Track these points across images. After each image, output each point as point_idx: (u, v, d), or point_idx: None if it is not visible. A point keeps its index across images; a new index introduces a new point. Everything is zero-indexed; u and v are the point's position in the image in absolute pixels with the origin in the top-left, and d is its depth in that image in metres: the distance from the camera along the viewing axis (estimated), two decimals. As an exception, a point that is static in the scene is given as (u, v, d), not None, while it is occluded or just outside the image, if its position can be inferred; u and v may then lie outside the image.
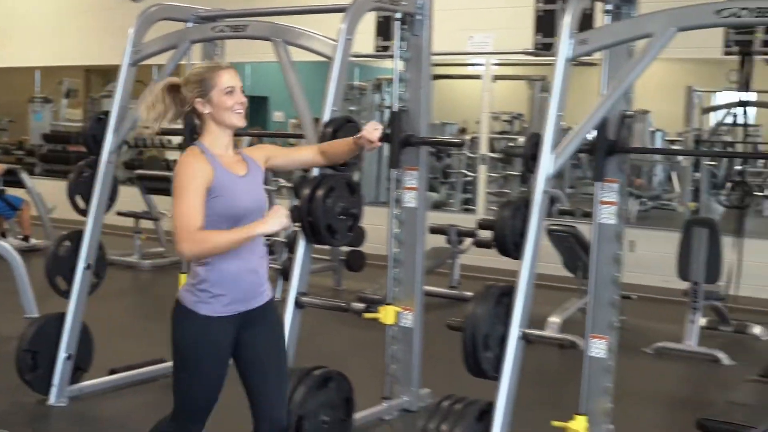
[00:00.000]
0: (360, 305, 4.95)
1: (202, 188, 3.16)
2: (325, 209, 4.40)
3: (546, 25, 8.62)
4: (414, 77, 5.11)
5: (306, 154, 3.77)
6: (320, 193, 4.39)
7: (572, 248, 7.30)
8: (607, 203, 4.67)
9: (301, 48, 4.87)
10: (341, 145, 3.75)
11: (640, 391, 6.15)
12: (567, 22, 4.10)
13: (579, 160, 12.82)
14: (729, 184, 8.38)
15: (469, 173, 11.45)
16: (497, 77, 10.81)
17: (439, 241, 8.62)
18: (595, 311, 4.76)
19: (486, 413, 4.02)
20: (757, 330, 7.61)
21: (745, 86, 7.72)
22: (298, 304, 4.64)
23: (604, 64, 4.49)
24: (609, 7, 4.46)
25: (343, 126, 4.51)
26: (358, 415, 5.06)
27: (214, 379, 3.36)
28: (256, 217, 3.27)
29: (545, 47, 8.59)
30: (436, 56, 9.41)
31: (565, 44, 4.09)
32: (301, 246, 4.62)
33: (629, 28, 4.18)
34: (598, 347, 4.80)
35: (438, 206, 11.38)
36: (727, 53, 8.35)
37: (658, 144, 11.90)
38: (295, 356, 4.59)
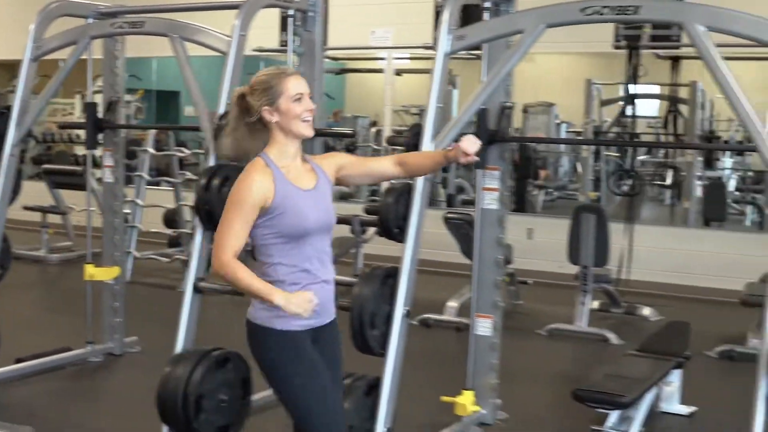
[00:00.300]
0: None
1: (254, 211, 3.05)
2: (221, 198, 4.58)
3: (445, 20, 8.88)
4: (307, 71, 5.31)
5: (383, 166, 3.37)
6: (216, 182, 4.58)
7: (468, 235, 7.56)
8: (490, 189, 4.97)
9: (197, 44, 5.05)
10: (425, 158, 3.47)
11: (531, 369, 6.48)
12: (445, 19, 4.35)
13: (487, 151, 13.21)
14: (620, 174, 8.76)
15: (375, 165, 11.68)
16: (402, 71, 11.07)
17: (344, 231, 8.84)
18: (480, 292, 5.04)
19: (374, 387, 4.25)
20: (646, 311, 7.99)
21: (633, 79, 8.08)
22: (197, 289, 4.81)
23: (483, 57, 4.77)
24: (488, 4, 4.73)
25: (238, 118, 4.69)
26: (258, 396, 5.24)
27: (321, 389, 3.16)
28: (321, 235, 3.16)
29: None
30: (347, 51, 9.74)
31: (443, 39, 4.35)
32: (198, 233, 4.79)
33: (503, 24, 4.46)
34: (483, 326, 5.10)
35: (345, 197, 11.60)
36: (617, 47, 8.74)
37: (563, 136, 12.33)
38: (195, 340, 4.78)
